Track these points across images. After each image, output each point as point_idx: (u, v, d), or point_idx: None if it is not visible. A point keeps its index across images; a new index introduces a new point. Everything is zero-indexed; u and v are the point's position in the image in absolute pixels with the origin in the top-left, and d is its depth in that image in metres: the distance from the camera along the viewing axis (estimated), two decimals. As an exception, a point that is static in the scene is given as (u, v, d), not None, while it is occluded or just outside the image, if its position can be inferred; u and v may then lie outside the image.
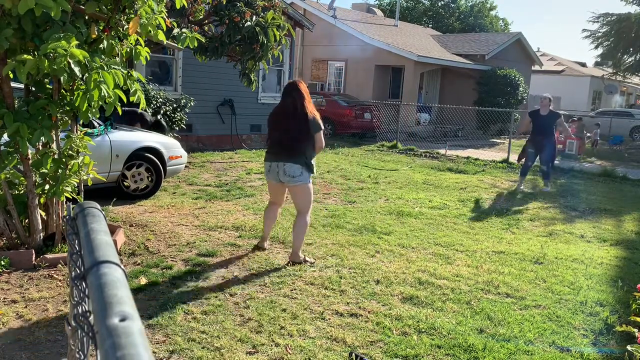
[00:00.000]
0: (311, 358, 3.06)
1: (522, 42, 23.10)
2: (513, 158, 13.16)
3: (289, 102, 4.62)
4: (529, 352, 3.30)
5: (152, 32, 4.32)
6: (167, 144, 7.06)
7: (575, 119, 16.50)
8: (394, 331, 3.46)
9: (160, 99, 9.49)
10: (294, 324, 3.47)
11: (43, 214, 4.54)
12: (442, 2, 39.81)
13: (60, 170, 4.31)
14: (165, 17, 4.44)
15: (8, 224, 4.37)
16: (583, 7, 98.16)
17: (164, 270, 4.32)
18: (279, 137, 4.62)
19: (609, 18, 21.36)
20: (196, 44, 5.28)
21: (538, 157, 9.44)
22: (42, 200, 4.48)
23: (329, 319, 3.60)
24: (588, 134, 17.23)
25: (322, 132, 4.64)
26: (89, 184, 4.86)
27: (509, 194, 8.95)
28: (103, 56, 3.93)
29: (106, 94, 3.83)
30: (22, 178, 4.36)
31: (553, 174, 9.89)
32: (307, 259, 4.73)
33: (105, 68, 3.79)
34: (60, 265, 4.19)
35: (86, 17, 4.11)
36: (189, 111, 10.41)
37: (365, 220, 6.36)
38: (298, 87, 4.66)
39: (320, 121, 4.65)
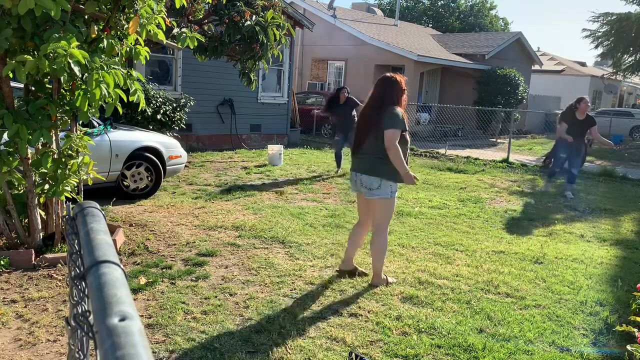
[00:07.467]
0: (311, 358, 3.06)
1: (522, 42, 23.10)
2: (513, 158, 13.17)
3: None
4: (528, 352, 3.30)
5: (152, 31, 4.32)
6: (166, 143, 7.05)
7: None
8: (394, 331, 3.46)
9: (160, 99, 9.49)
10: (294, 324, 3.47)
11: (43, 213, 4.53)
12: (442, 2, 39.82)
13: (59, 170, 4.31)
14: (164, 16, 4.43)
15: (8, 224, 4.37)
16: (583, 7, 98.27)
17: (164, 270, 4.31)
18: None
19: (609, 17, 21.34)
20: (196, 44, 5.28)
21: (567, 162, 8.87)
22: (41, 200, 4.47)
23: (329, 319, 3.60)
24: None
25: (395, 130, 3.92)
26: (89, 184, 4.85)
27: (508, 194, 8.94)
28: (103, 56, 3.93)
29: (106, 94, 3.83)
30: (21, 178, 4.36)
31: (549, 173, 9.86)
32: (389, 279, 4.31)
33: (105, 68, 3.78)
34: (59, 265, 4.19)
35: (86, 17, 4.11)
36: (188, 111, 10.40)
37: (365, 220, 6.35)
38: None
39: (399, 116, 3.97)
